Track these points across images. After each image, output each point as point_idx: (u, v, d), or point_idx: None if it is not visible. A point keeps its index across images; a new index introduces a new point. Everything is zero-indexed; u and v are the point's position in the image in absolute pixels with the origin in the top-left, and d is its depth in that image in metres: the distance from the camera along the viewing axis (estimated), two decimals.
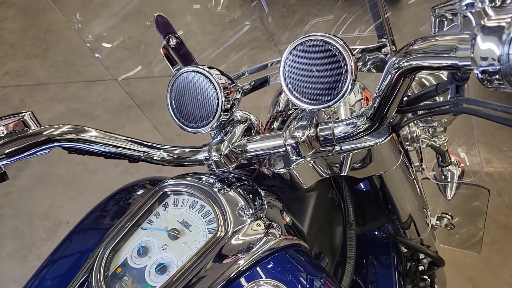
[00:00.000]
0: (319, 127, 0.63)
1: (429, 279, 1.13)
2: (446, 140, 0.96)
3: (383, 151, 0.73)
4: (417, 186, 0.89)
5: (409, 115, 0.77)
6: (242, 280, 0.61)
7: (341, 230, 0.91)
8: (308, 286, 0.64)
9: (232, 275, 0.60)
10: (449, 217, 1.03)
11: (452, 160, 1.04)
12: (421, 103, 0.66)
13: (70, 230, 0.82)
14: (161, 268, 0.62)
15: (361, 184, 1.00)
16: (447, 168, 1.01)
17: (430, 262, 1.11)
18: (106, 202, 0.84)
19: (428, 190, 1.06)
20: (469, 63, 0.40)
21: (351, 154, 0.73)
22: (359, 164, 0.74)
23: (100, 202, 0.84)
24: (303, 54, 0.61)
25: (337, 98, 0.60)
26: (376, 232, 1.16)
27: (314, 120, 0.65)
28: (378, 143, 0.71)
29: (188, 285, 0.59)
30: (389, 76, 0.53)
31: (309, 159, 0.73)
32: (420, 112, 0.69)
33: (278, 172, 0.76)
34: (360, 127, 0.61)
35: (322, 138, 0.63)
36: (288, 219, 0.74)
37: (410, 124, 0.87)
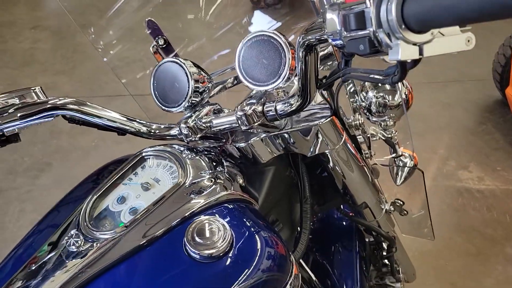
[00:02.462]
0: (265, 105, 0.80)
1: (389, 263, 1.25)
2: (396, 133, 1.10)
3: (326, 131, 0.88)
4: (367, 171, 1.03)
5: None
6: (195, 218, 0.76)
7: (299, 206, 1.05)
8: (252, 233, 0.77)
9: (187, 214, 0.76)
10: (401, 203, 1.16)
11: (406, 154, 1.18)
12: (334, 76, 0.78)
13: (62, 197, 0.94)
14: (133, 211, 0.78)
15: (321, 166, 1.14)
16: (398, 158, 1.14)
17: (388, 245, 1.23)
18: (99, 172, 1.00)
19: (387, 177, 1.19)
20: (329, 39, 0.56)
21: (297, 133, 0.88)
22: (305, 142, 0.89)
23: (93, 172, 1.00)
24: (253, 46, 0.77)
25: (278, 82, 0.76)
26: (342, 221, 1.30)
27: (262, 100, 0.81)
28: (319, 123, 0.87)
29: (150, 220, 0.75)
30: (300, 57, 0.68)
31: (260, 131, 0.88)
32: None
33: (239, 146, 0.92)
34: (293, 105, 0.76)
35: (267, 114, 0.79)
36: (243, 184, 0.90)
37: (356, 114, 1.01)
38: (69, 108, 0.84)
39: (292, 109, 0.76)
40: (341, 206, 1.17)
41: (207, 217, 0.75)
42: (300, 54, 0.67)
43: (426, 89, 3.39)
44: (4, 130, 0.80)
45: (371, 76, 0.59)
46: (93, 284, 0.70)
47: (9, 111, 0.79)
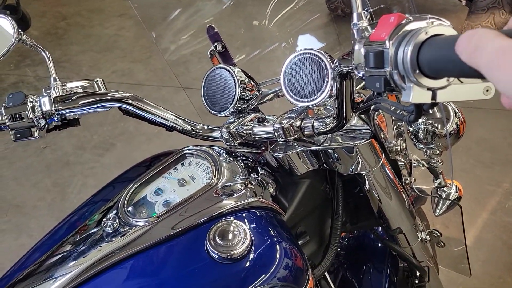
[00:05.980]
0: (304, 120, 0.82)
1: None
2: (442, 162, 1.07)
3: (363, 153, 0.88)
4: (405, 197, 1.01)
5: None
6: (221, 219, 0.80)
7: (330, 222, 1.06)
8: (273, 242, 0.80)
9: (214, 214, 0.80)
10: (438, 234, 1.12)
11: (452, 185, 1.14)
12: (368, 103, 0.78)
13: (115, 177, 1.03)
14: (166, 203, 0.84)
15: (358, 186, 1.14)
16: (442, 188, 1.11)
17: (420, 274, 1.20)
18: (152, 160, 1.07)
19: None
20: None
21: (335, 151, 0.89)
22: (342, 161, 0.90)
23: (147, 157, 1.07)
24: (300, 62, 0.80)
25: (318, 99, 0.78)
26: (377, 241, 1.28)
27: (302, 115, 0.83)
28: (358, 144, 0.87)
29: (180, 214, 0.80)
30: (336, 80, 0.70)
31: (295, 145, 0.90)
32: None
33: (276, 156, 0.95)
34: (328, 125, 0.76)
35: (304, 130, 0.81)
36: (274, 193, 0.92)
37: (398, 139, 0.99)
38: (126, 102, 0.91)
39: (327, 128, 0.77)
40: (375, 228, 1.16)
41: (231, 220, 0.78)
42: (336, 79, 0.68)
43: (501, 118, 3.18)
44: (66, 115, 0.90)
45: (395, 110, 0.60)
46: (120, 266, 0.76)
47: (73, 98, 0.88)
